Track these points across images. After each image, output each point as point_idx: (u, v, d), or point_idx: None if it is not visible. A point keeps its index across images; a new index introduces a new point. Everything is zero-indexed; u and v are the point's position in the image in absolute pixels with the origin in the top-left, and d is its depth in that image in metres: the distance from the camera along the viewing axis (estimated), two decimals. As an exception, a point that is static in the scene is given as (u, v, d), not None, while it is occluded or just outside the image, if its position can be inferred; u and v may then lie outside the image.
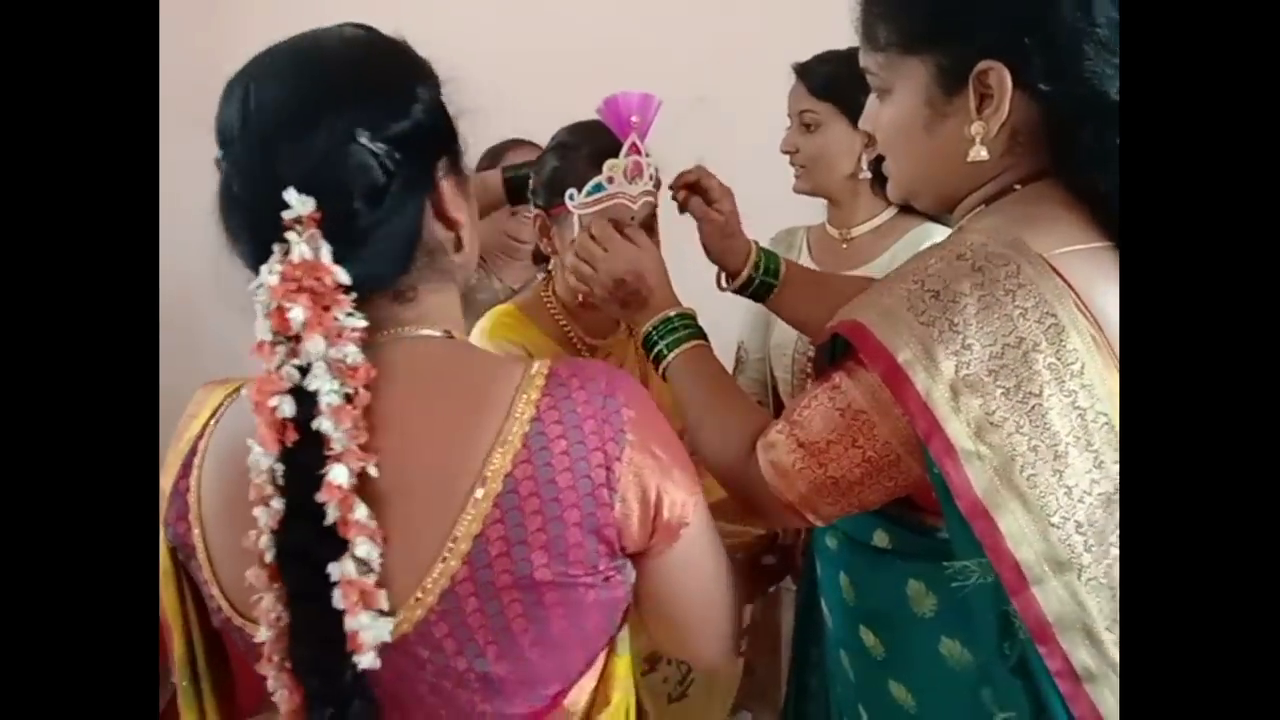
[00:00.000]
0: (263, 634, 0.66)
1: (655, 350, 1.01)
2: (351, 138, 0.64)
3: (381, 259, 0.68)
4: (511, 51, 2.22)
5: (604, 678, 0.77)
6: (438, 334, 0.72)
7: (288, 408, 0.62)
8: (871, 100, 0.89)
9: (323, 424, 0.62)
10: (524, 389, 0.67)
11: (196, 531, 0.73)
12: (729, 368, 1.73)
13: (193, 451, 0.75)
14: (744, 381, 1.72)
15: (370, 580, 0.63)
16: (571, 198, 1.16)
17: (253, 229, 0.65)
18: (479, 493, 0.64)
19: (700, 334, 1.01)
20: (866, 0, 0.84)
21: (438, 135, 0.71)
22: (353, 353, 0.64)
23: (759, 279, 1.21)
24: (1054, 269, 0.72)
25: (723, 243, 1.20)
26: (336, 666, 0.63)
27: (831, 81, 1.46)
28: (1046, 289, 0.71)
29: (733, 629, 0.83)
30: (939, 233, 1.48)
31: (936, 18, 0.78)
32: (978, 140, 0.78)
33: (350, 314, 0.64)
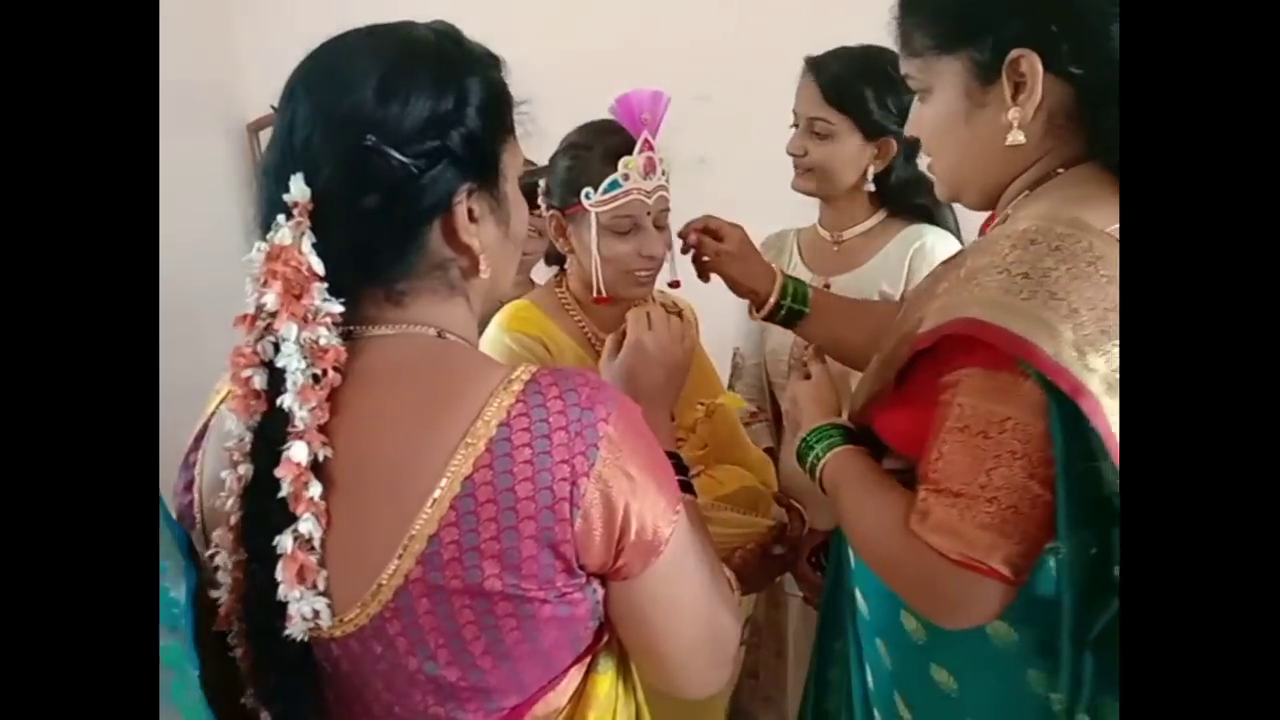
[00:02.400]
0: (223, 592, 0.68)
1: (811, 455, 1.00)
2: (372, 144, 0.65)
3: (375, 261, 0.69)
4: (512, 52, 2.22)
5: (580, 696, 0.76)
6: (426, 332, 0.71)
7: (260, 380, 0.65)
8: (915, 106, 0.93)
9: (288, 401, 0.64)
10: (499, 393, 0.65)
11: (198, 501, 0.74)
12: (725, 375, 1.73)
13: (205, 426, 0.76)
14: (741, 388, 1.72)
15: (312, 558, 0.64)
16: (588, 196, 1.18)
17: (268, 201, 0.67)
18: (436, 493, 0.63)
19: (852, 439, 0.99)
20: (902, 11, 0.89)
21: (468, 164, 0.70)
22: (325, 335, 0.65)
23: (787, 306, 1.23)
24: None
25: (739, 269, 1.22)
26: (281, 636, 0.65)
27: (847, 90, 1.45)
28: (1119, 261, 0.72)
29: (723, 660, 0.79)
30: (931, 233, 1.50)
31: (966, 16, 0.82)
32: (1015, 125, 0.81)
33: (326, 299, 0.65)
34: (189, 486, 0.76)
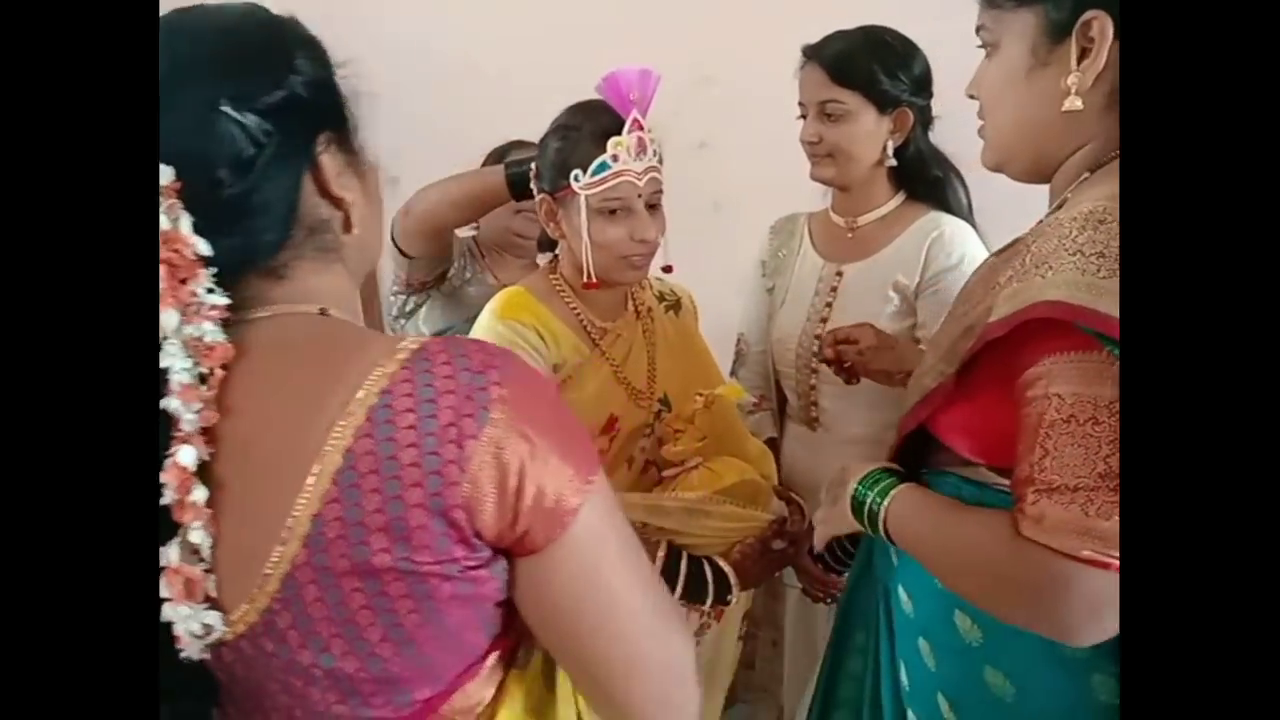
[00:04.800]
0: None
1: (868, 507, 0.94)
2: (215, 107, 0.63)
3: (252, 233, 0.66)
4: (514, 33, 2.21)
5: (498, 691, 0.71)
6: (310, 310, 0.69)
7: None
8: (980, 64, 0.91)
9: (171, 404, 0.60)
10: (383, 362, 0.62)
11: None
12: (729, 361, 1.72)
13: None
14: (745, 375, 1.70)
15: (198, 569, 0.60)
16: (577, 178, 1.16)
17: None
18: (316, 468, 0.60)
19: (903, 478, 0.95)
20: None
21: (318, 110, 0.69)
22: (210, 331, 0.62)
23: None
24: None
25: (890, 358, 1.23)
26: (173, 654, 0.61)
27: (852, 66, 1.43)
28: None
29: (672, 675, 0.70)
30: (948, 222, 1.47)
31: None
32: (1073, 90, 0.79)
33: (210, 290, 0.62)
34: None
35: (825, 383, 1.55)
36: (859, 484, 0.96)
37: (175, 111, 0.62)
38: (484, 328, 1.24)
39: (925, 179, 1.51)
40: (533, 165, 1.30)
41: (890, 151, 1.47)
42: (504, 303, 1.26)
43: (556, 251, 1.35)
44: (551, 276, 1.32)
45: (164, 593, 0.59)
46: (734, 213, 2.05)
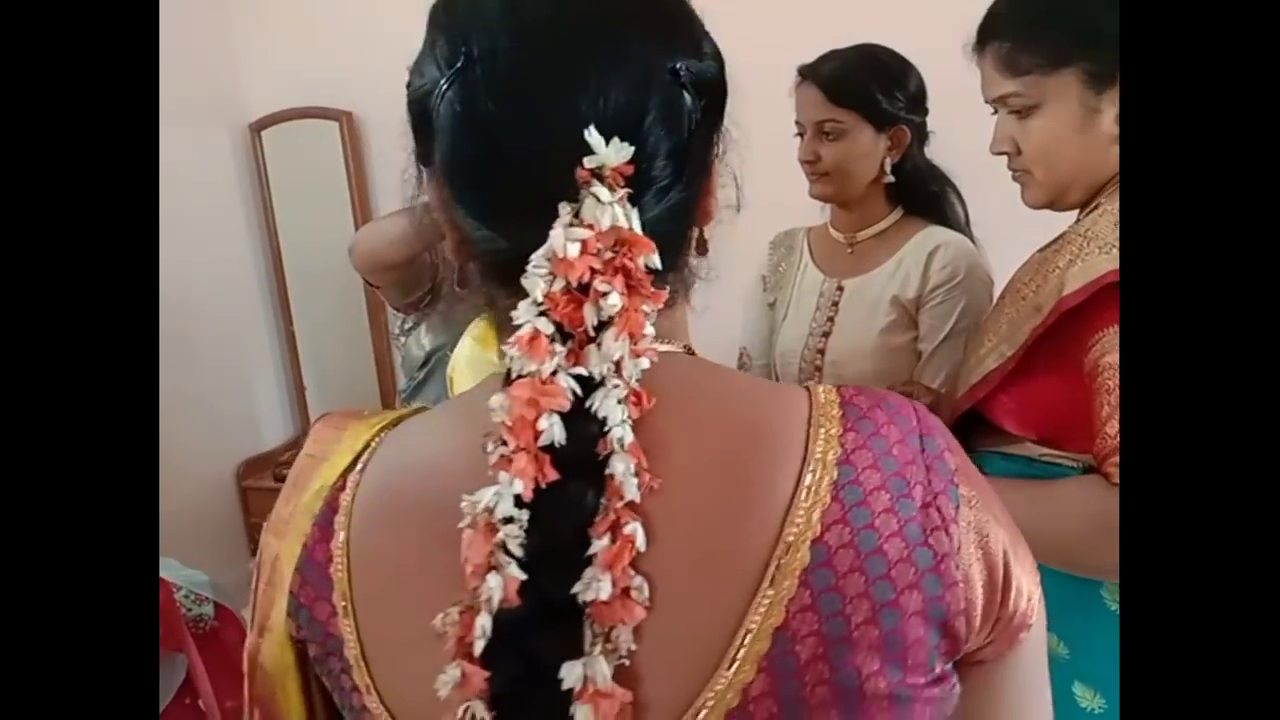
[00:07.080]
0: None
1: None
2: (672, 71, 0.47)
3: (663, 242, 0.48)
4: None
5: None
6: (677, 349, 0.54)
7: (558, 433, 0.45)
8: (1001, 121, 1.00)
9: (617, 465, 0.45)
10: (818, 421, 0.49)
11: (346, 620, 0.53)
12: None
13: (331, 508, 0.55)
14: (748, 387, 1.70)
15: (627, 695, 0.44)
16: None
17: (527, 180, 0.47)
18: (779, 566, 0.45)
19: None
20: (1001, 35, 0.96)
21: (722, 97, 0.53)
22: (640, 371, 0.47)
23: None
24: None
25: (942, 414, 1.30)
26: None
27: (848, 85, 1.44)
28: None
29: None
30: (945, 236, 1.49)
31: (1085, 31, 0.89)
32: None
33: (652, 315, 0.47)
34: (325, 595, 0.54)
35: (827, 396, 1.56)
36: None
37: (623, 67, 0.47)
38: (468, 357, 1.21)
39: (923, 194, 1.53)
40: None
41: (888, 169, 1.48)
42: (485, 331, 1.23)
43: None
44: None
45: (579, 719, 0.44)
46: (739, 227, 2.07)
